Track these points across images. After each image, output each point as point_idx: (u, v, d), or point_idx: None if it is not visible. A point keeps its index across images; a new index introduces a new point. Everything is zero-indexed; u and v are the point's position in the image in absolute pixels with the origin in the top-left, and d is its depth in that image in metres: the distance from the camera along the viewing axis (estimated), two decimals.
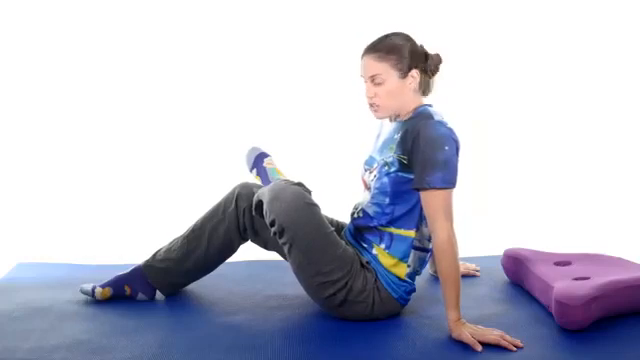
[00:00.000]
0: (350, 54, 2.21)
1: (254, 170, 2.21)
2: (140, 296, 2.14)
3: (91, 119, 3.57)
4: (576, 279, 2.00)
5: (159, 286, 2.15)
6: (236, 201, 2.10)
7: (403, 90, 1.93)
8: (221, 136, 3.55)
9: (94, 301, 2.10)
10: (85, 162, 3.54)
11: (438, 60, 1.96)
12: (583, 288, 1.84)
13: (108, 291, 2.11)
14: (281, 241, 1.89)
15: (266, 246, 2.15)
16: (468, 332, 1.74)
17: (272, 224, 1.88)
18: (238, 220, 2.10)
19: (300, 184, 1.94)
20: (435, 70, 1.97)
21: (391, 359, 1.67)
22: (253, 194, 2.08)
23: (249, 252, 2.19)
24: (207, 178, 3.35)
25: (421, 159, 1.83)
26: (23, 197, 3.43)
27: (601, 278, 1.95)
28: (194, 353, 1.69)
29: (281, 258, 2.41)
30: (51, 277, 2.39)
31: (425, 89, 1.98)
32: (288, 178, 2.07)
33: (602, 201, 3.46)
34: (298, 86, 3.55)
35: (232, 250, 2.16)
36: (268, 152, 2.24)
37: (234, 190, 2.13)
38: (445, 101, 2.08)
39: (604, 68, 3.61)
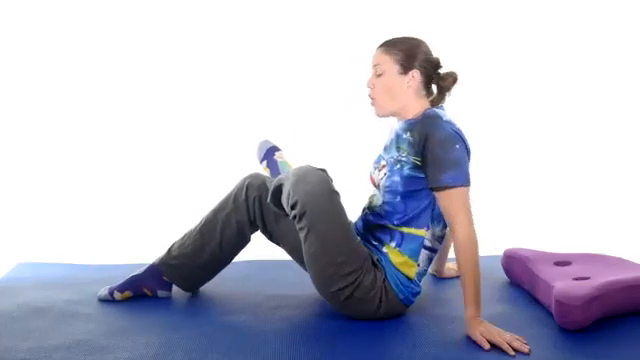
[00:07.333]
0: (364, 52, 2.21)
1: (264, 162, 2.22)
2: (160, 293, 2.14)
3: (90, 118, 3.57)
4: (576, 279, 2.00)
5: (176, 282, 2.14)
6: (246, 191, 2.08)
7: (401, 87, 1.94)
8: (219, 138, 3.56)
9: (94, 301, 2.10)
10: (85, 162, 3.54)
11: (452, 78, 1.97)
12: (583, 288, 1.84)
13: (128, 294, 2.11)
14: (299, 225, 1.86)
15: (271, 237, 2.13)
16: (479, 331, 1.74)
17: (293, 206, 1.85)
18: (248, 209, 2.07)
19: (324, 170, 1.92)
20: (445, 87, 1.98)
21: (391, 359, 1.67)
22: (263, 184, 2.07)
23: (249, 252, 2.18)
24: (205, 178, 3.35)
25: (432, 160, 1.83)
26: (23, 197, 3.43)
27: (601, 278, 1.95)
28: (194, 353, 1.69)
29: (282, 257, 2.40)
30: (51, 277, 2.39)
31: (437, 101, 2.00)
32: None
33: (602, 201, 3.46)
34: (307, 84, 3.55)
35: (245, 240, 2.13)
36: (279, 146, 2.24)
37: (244, 180, 2.11)
38: (445, 101, 2.08)
39: (604, 69, 3.61)
